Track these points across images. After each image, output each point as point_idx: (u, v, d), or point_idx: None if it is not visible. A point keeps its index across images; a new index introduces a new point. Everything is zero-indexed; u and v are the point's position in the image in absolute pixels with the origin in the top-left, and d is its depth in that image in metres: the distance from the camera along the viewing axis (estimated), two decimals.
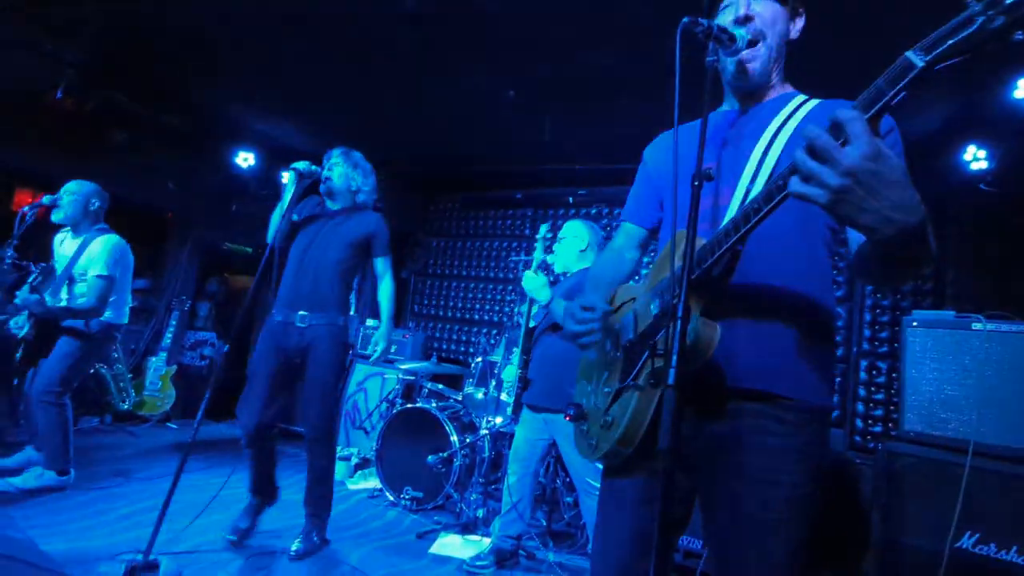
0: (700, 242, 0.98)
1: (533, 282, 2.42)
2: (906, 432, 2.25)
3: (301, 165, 2.50)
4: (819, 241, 1.11)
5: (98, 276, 3.02)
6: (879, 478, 2.24)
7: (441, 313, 5.41)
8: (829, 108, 1.11)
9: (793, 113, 1.13)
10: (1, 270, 3.26)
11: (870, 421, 3.53)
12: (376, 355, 2.65)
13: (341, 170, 2.66)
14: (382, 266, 2.71)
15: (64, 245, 3.15)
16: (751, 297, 1.07)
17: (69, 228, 3.14)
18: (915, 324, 2.31)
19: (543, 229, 2.83)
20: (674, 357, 0.79)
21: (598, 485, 2.46)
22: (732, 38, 1.07)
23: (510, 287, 5.09)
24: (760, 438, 1.03)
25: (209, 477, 3.51)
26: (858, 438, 3.54)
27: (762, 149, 1.10)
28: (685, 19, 0.98)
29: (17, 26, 3.31)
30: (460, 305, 5.34)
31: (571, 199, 4.83)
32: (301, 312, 2.49)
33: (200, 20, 3.30)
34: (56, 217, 3.06)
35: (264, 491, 2.66)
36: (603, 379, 1.21)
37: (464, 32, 3.06)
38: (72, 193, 3.07)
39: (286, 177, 2.53)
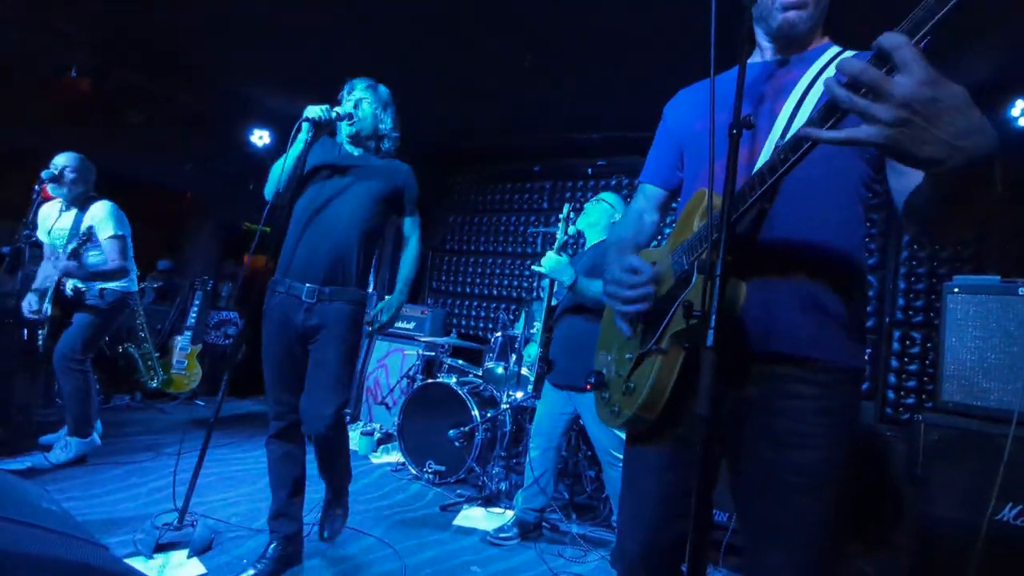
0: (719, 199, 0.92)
1: (555, 263, 2.32)
2: (944, 403, 2.16)
3: (317, 112, 2.00)
4: (853, 197, 1.05)
5: (111, 237, 3.03)
6: (914, 450, 2.17)
7: (459, 289, 5.39)
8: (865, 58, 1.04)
9: (828, 64, 1.06)
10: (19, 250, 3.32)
11: (902, 393, 3.43)
12: (379, 323, 2.23)
13: (371, 110, 2.20)
14: (410, 226, 2.33)
15: (59, 218, 3.08)
16: (779, 255, 1.01)
17: (62, 201, 3.10)
18: (956, 290, 2.19)
19: (566, 208, 2.71)
20: (713, 317, 0.73)
21: (621, 456, 2.45)
22: None
23: (528, 261, 5.02)
24: (791, 401, 0.99)
25: (234, 452, 3.59)
26: (889, 410, 3.44)
27: (795, 100, 1.04)
28: None
29: (31, 5, 3.29)
30: (479, 281, 5.30)
31: (590, 170, 4.72)
32: (309, 285, 2.03)
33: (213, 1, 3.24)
34: (59, 192, 3.04)
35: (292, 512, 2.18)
36: (623, 346, 1.16)
37: (478, 4, 2.95)
38: (75, 170, 3.04)
39: (300, 125, 2.00)
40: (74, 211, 3.08)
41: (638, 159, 4.73)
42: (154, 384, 4.65)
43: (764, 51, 1.16)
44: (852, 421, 1.03)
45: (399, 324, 4.58)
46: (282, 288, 2.07)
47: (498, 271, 5.21)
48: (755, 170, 1.00)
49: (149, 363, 4.66)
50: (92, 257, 3.07)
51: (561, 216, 2.69)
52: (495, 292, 5.20)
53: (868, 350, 3.55)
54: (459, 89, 4.06)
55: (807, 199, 1.00)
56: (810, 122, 0.78)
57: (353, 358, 2.16)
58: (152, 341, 4.71)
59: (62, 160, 3.05)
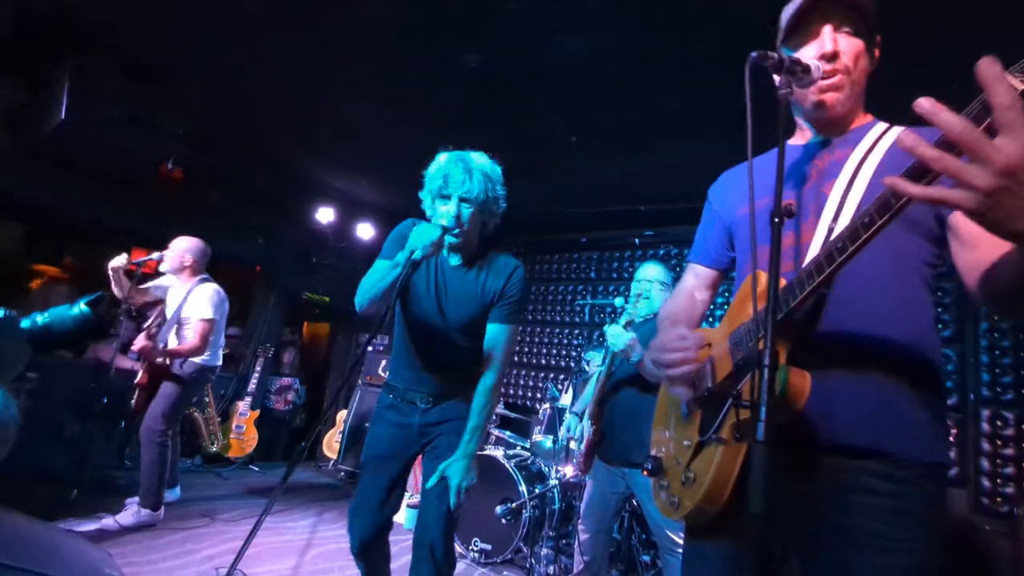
0: (783, 284, 0.92)
1: (623, 339, 2.28)
2: None
3: (422, 249, 1.59)
4: (916, 279, 1.01)
5: (201, 319, 3.31)
6: (1020, 547, 1.92)
7: None
8: (919, 134, 1.03)
9: (876, 143, 1.06)
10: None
11: (999, 481, 3.07)
12: (452, 497, 1.74)
13: (472, 213, 1.77)
14: (496, 335, 1.84)
15: (171, 292, 3.50)
16: (844, 344, 0.97)
17: (175, 278, 3.50)
18: None
19: (646, 271, 2.58)
20: (762, 409, 0.71)
21: (681, 541, 2.28)
22: (806, 69, 1.02)
23: (576, 331, 5.01)
24: (869, 499, 0.91)
25: (284, 520, 3.61)
26: (985, 500, 3.08)
27: (845, 183, 1.03)
28: (754, 53, 0.95)
29: (133, 105, 3.80)
30: (526, 350, 5.30)
31: (637, 240, 4.75)
32: (421, 394, 1.86)
33: (285, 90, 3.65)
34: (162, 268, 3.46)
35: None
36: (681, 430, 1.13)
37: (527, 82, 3.17)
38: (171, 249, 3.46)
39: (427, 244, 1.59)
40: (185, 288, 3.43)
41: (685, 229, 4.75)
42: (214, 449, 4.82)
43: (804, 133, 1.18)
44: (940, 522, 0.94)
45: None
46: (395, 396, 1.89)
47: (546, 340, 5.20)
48: (808, 256, 1.00)
49: (211, 428, 4.85)
50: (186, 337, 3.36)
51: (634, 292, 2.58)
52: (543, 362, 5.17)
53: (953, 430, 3.24)
54: (508, 164, 4.27)
55: (867, 283, 0.97)
56: (867, 214, 0.77)
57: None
58: (215, 407, 4.93)
59: (174, 243, 3.48)
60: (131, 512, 3.09)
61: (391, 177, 4.84)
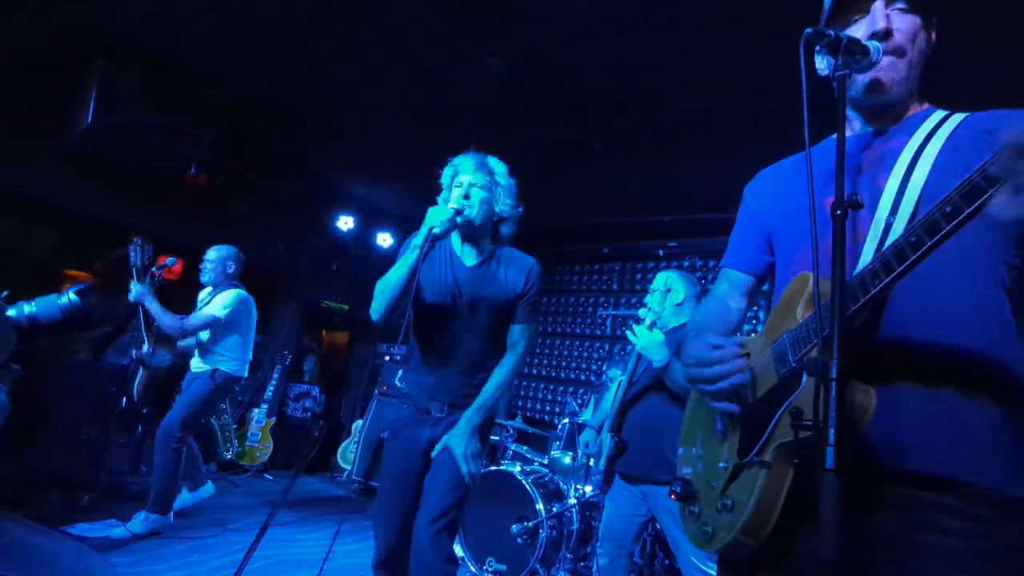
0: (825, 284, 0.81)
1: (649, 339, 2.14)
2: None
3: (440, 224, 1.66)
4: (992, 281, 0.88)
5: (209, 314, 3.29)
6: None
7: (526, 371, 5.28)
8: (977, 122, 0.92)
9: (935, 131, 0.94)
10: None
11: None
12: (463, 463, 1.74)
13: (482, 195, 1.83)
14: (519, 334, 1.90)
15: (205, 300, 3.54)
16: (908, 355, 0.85)
17: (211, 287, 3.53)
18: None
19: (661, 279, 2.47)
20: (831, 431, 0.60)
21: (707, 569, 2.12)
22: (865, 51, 0.91)
23: (597, 344, 4.87)
24: (941, 539, 0.77)
25: (295, 532, 3.53)
26: None
27: (901, 175, 0.92)
28: (809, 30, 0.85)
29: (160, 111, 3.84)
30: (545, 363, 5.18)
31: (661, 252, 4.62)
32: (438, 402, 1.85)
33: (309, 98, 3.66)
34: (204, 279, 3.49)
35: None
36: (715, 450, 1.01)
37: (550, 90, 3.11)
38: (211, 260, 3.48)
39: (428, 235, 1.67)
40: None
41: (709, 241, 4.59)
42: (228, 455, 4.79)
43: (853, 124, 1.06)
44: None
45: None
46: (409, 404, 1.89)
47: (566, 353, 5.08)
48: (862, 254, 0.89)
49: (227, 435, 4.82)
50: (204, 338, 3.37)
51: (659, 289, 2.42)
52: (562, 375, 5.04)
53: None
54: (530, 173, 4.20)
55: (934, 286, 0.85)
56: (949, 201, 0.67)
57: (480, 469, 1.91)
58: (232, 414, 4.91)
59: (207, 252, 3.54)
60: (139, 519, 3.04)
61: (411, 186, 4.82)
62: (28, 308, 1.01)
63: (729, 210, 1.29)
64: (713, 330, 1.16)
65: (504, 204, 1.91)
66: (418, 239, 1.68)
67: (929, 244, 0.69)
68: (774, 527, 0.85)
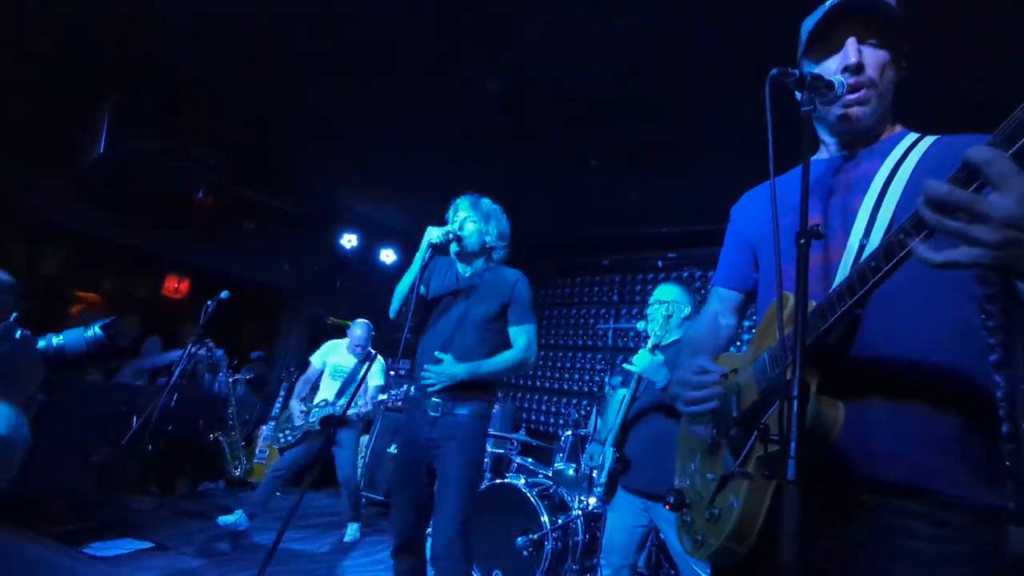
0: (810, 305, 0.86)
1: (649, 362, 2.20)
2: None
3: (437, 236, 2.11)
4: (964, 297, 0.93)
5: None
6: None
7: (529, 383, 5.32)
8: (948, 145, 0.98)
9: (907, 154, 0.99)
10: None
11: None
12: (430, 376, 2.09)
13: (474, 226, 2.24)
14: (514, 335, 2.25)
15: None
16: (881, 370, 0.89)
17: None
18: None
19: (663, 295, 2.53)
20: (792, 445, 0.66)
21: None
22: (829, 85, 0.98)
23: (599, 355, 4.91)
24: (911, 544, 0.82)
25: (306, 547, 3.56)
26: None
27: (874, 198, 0.97)
28: (774, 70, 0.92)
29: (168, 137, 3.96)
30: (548, 375, 5.23)
31: (660, 263, 4.68)
32: (434, 399, 2.10)
33: (313, 120, 3.75)
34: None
35: None
36: (706, 462, 1.06)
37: (549, 105, 3.19)
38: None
39: (424, 248, 2.13)
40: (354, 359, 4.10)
41: (708, 251, 4.63)
42: (237, 472, 4.83)
43: (829, 147, 1.12)
44: (995, 572, 0.82)
45: None
46: (411, 403, 2.24)
47: (568, 365, 5.12)
48: (837, 276, 0.94)
49: (235, 452, 4.88)
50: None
51: (662, 314, 2.44)
52: (565, 387, 5.08)
53: (1007, 463, 3.03)
54: (530, 188, 4.29)
55: (907, 303, 0.90)
56: (903, 230, 0.72)
57: (479, 469, 2.24)
58: (240, 431, 4.97)
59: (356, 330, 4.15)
60: (234, 516, 3.40)
61: (414, 202, 4.91)
62: (56, 340, 1.06)
63: (725, 221, 1.35)
64: (704, 347, 1.22)
65: (492, 235, 2.30)
66: (421, 252, 2.11)
67: (886, 268, 0.74)
68: (760, 535, 0.89)
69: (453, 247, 2.19)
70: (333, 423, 3.82)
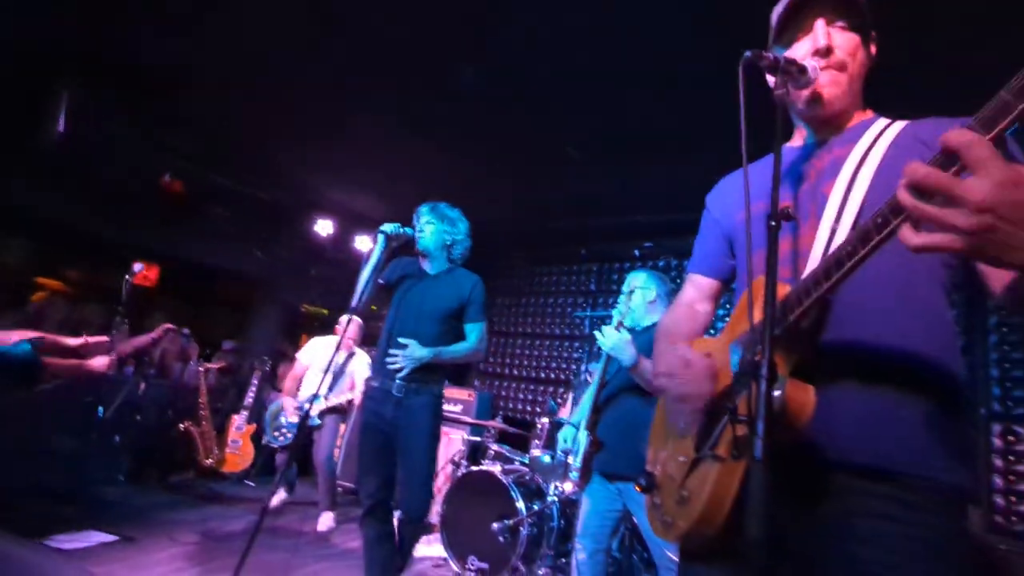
0: (784, 290, 0.86)
1: (615, 340, 2.20)
2: None
3: (389, 228, 2.40)
4: (934, 283, 0.94)
5: None
6: None
7: (507, 371, 5.33)
8: (918, 129, 0.99)
9: (877, 139, 1.00)
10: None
11: (1013, 498, 2.98)
12: (397, 359, 2.35)
13: (434, 228, 2.53)
14: (469, 330, 2.56)
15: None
16: (853, 354, 0.91)
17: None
18: None
19: (628, 281, 2.57)
20: (759, 425, 0.66)
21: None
22: (802, 69, 0.98)
23: (576, 344, 4.95)
24: (879, 524, 0.84)
25: (279, 539, 3.52)
26: (999, 519, 2.98)
27: (845, 183, 0.98)
28: (748, 53, 0.91)
29: (134, 119, 3.81)
30: (526, 363, 5.24)
31: (637, 252, 4.71)
32: (398, 381, 2.36)
33: (286, 105, 3.65)
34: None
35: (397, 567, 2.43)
36: (678, 445, 1.07)
37: (526, 94, 3.16)
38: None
39: (373, 241, 2.41)
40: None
41: (685, 240, 4.67)
42: (209, 462, 4.75)
43: (801, 133, 1.13)
44: (956, 557, 0.85)
45: (445, 407, 4.55)
46: (377, 383, 2.45)
47: (545, 353, 5.14)
48: (808, 261, 0.94)
49: (207, 442, 4.78)
50: None
51: (624, 289, 2.54)
52: (542, 375, 5.10)
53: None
54: (508, 177, 4.26)
55: (878, 289, 0.91)
56: (880, 215, 0.72)
57: (437, 444, 2.47)
58: (212, 420, 4.87)
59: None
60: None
61: (390, 189, 4.84)
62: None
63: (699, 210, 1.35)
64: (681, 333, 1.22)
65: (451, 237, 2.58)
66: (378, 244, 2.38)
67: (863, 252, 0.74)
68: (728, 517, 0.90)
69: (419, 246, 2.52)
70: (328, 412, 4.00)
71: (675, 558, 2.15)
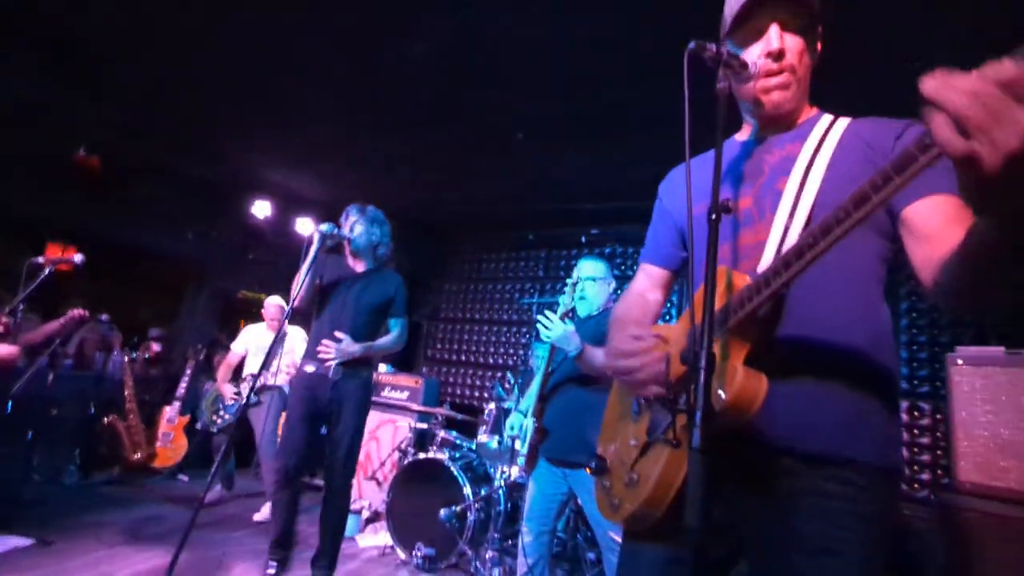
0: (745, 280, 0.90)
1: (560, 331, 2.19)
2: (961, 483, 2.05)
3: (326, 228, 2.56)
4: (872, 277, 1.00)
5: None
6: (933, 534, 2.03)
7: (454, 357, 5.31)
8: (860, 128, 1.04)
9: (825, 136, 1.05)
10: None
11: (915, 468, 3.28)
12: (328, 352, 2.60)
13: (362, 228, 2.76)
14: (394, 325, 2.87)
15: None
16: (802, 346, 0.95)
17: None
18: (960, 362, 2.13)
19: (581, 267, 2.58)
20: (698, 414, 0.68)
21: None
22: (744, 65, 1.00)
23: (524, 329, 4.98)
24: (821, 502, 0.90)
25: (214, 534, 3.38)
26: (903, 486, 3.28)
27: (798, 179, 1.02)
28: (692, 44, 0.92)
29: (50, 86, 3.46)
30: (474, 349, 5.24)
31: (584, 238, 4.78)
32: (335, 365, 2.61)
33: (223, 76, 3.42)
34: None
35: (289, 543, 2.73)
36: (630, 429, 1.09)
37: (471, 78, 3.10)
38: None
39: (313, 237, 2.55)
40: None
41: (630, 227, 4.77)
42: (137, 457, 4.48)
43: (751, 128, 1.16)
44: (889, 527, 0.94)
45: (392, 394, 4.49)
46: (312, 368, 2.64)
47: (493, 339, 5.16)
48: (765, 253, 0.98)
49: (134, 437, 4.50)
50: None
51: (569, 280, 2.55)
52: (490, 361, 5.11)
53: None
54: (454, 161, 4.19)
55: (825, 282, 0.95)
56: (844, 208, 0.73)
57: (364, 422, 2.72)
58: (139, 413, 4.58)
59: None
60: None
61: (334, 170, 4.65)
62: None
63: (645, 199, 1.36)
64: (632, 319, 1.24)
65: (376, 237, 2.82)
66: (315, 243, 2.51)
67: (823, 244, 0.76)
68: (675, 501, 0.93)
69: (350, 246, 2.75)
70: (267, 389, 3.94)
71: (617, 538, 2.23)
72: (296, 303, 2.48)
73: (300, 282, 2.51)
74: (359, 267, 2.81)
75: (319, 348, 2.60)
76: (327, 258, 2.81)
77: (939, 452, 3.22)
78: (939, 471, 3.20)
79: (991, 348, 2.12)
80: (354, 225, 2.75)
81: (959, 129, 0.53)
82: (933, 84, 0.54)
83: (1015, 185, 0.54)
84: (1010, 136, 0.50)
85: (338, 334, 2.62)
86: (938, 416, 3.27)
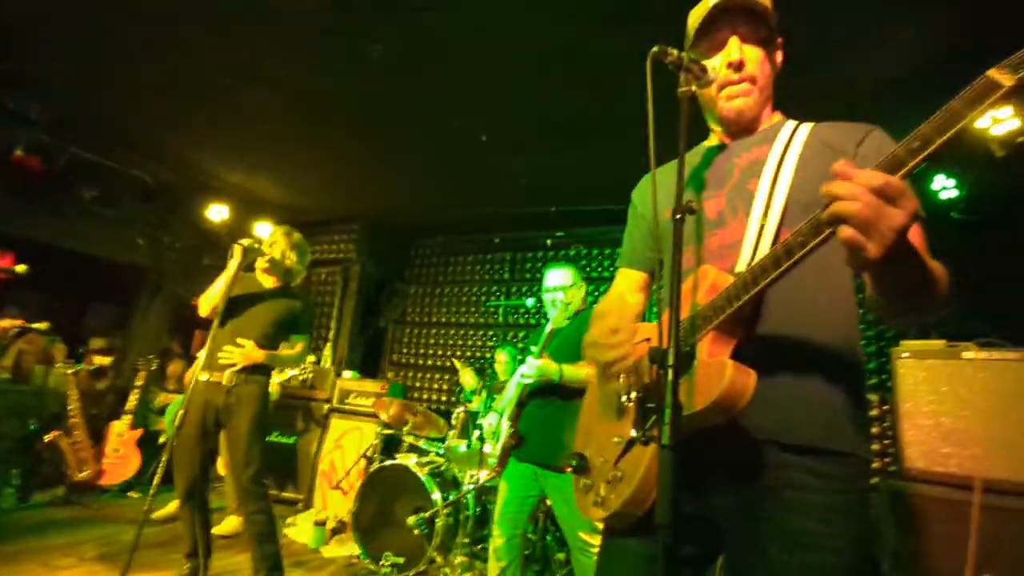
0: (728, 280, 0.93)
1: (540, 369, 2.27)
2: (907, 469, 2.16)
3: (247, 242, 2.67)
4: (845, 272, 1.04)
5: None
6: (881, 520, 2.13)
7: (420, 362, 5.25)
8: (822, 133, 1.08)
9: (791, 140, 1.09)
10: None
11: None
12: (232, 357, 2.62)
13: (282, 250, 2.84)
14: (295, 339, 2.94)
15: None
16: (783, 342, 0.98)
17: None
18: (906, 355, 2.25)
19: (551, 276, 2.58)
20: (667, 412, 0.69)
21: (593, 542, 2.29)
22: (703, 69, 1.03)
23: (490, 332, 4.97)
24: (802, 495, 0.92)
25: (169, 552, 3.22)
26: None
27: (768, 181, 1.05)
28: (655, 48, 0.95)
29: None
30: (440, 353, 5.19)
31: (549, 241, 4.81)
32: (229, 372, 2.63)
33: (172, 75, 3.28)
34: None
35: (207, 548, 2.70)
36: (612, 427, 1.09)
37: (436, 78, 3.08)
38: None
39: (234, 251, 2.63)
40: None
41: (595, 229, 4.82)
42: (83, 475, 4.23)
43: (718, 134, 1.20)
44: (864, 520, 0.97)
45: (357, 400, 4.39)
46: (208, 376, 2.64)
47: (460, 343, 5.13)
48: (741, 253, 1.00)
49: (80, 454, 4.25)
50: None
51: (549, 299, 2.53)
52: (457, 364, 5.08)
53: None
54: (420, 164, 4.16)
55: (805, 280, 0.98)
56: (818, 217, 0.78)
57: (266, 420, 2.72)
58: (86, 428, 4.33)
59: None
60: None
61: (291, 173, 4.54)
62: None
63: (610, 202, 1.38)
64: (614, 315, 1.25)
65: (293, 261, 2.87)
66: (236, 257, 2.62)
67: (814, 242, 0.80)
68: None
69: (261, 262, 2.79)
70: None
71: (588, 538, 2.24)
72: (208, 312, 2.60)
73: (216, 292, 2.62)
74: (268, 283, 2.87)
75: (222, 353, 2.62)
76: (244, 274, 2.82)
77: (887, 441, 3.38)
78: (887, 458, 3.36)
79: (933, 342, 2.25)
80: (274, 244, 2.83)
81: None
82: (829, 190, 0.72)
83: (887, 263, 0.70)
84: (885, 229, 0.68)
85: (241, 340, 2.65)
86: (885, 407, 3.43)
